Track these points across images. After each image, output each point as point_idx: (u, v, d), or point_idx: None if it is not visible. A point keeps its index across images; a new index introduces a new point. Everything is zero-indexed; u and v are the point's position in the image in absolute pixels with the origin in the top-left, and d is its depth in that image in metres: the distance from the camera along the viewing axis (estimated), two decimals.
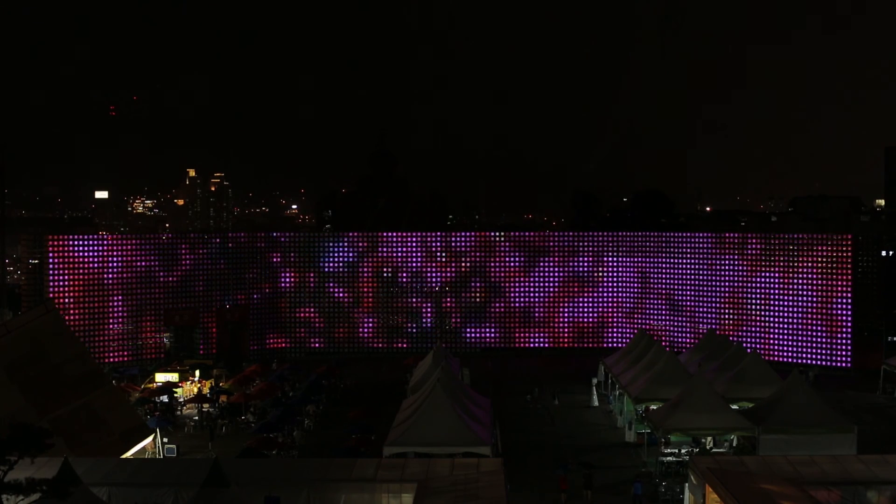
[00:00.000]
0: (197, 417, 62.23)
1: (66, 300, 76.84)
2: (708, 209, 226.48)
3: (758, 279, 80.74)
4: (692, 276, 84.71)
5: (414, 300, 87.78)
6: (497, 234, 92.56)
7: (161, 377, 70.15)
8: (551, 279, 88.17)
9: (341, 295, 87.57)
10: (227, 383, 69.14)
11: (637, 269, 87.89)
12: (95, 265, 78.85)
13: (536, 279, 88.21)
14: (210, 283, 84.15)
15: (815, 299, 77.63)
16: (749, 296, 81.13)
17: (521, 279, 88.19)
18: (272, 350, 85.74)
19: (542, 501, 45.03)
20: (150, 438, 49.81)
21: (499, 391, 68.17)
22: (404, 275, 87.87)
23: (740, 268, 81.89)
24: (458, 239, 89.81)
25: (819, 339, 77.23)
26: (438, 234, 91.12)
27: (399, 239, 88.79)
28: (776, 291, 79.64)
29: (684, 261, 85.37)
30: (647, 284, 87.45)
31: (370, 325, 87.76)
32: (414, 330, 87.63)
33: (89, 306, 78.38)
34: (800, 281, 78.45)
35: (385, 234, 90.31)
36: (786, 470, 36.86)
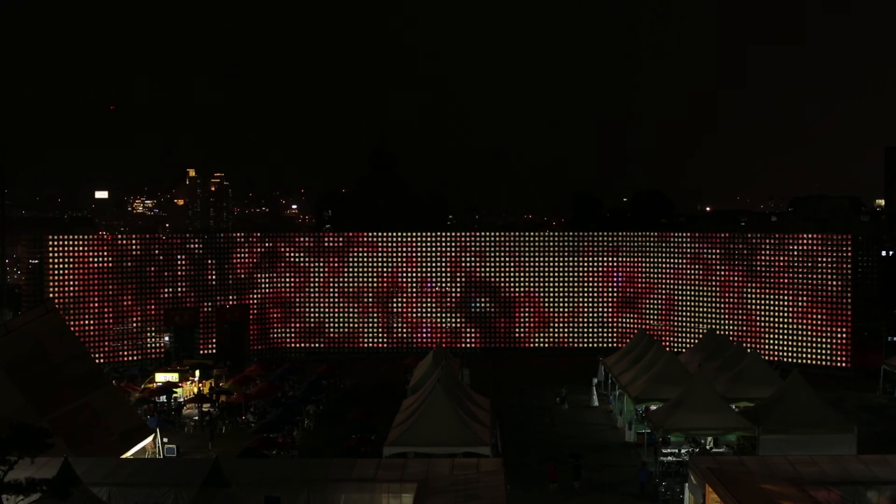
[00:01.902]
0: (197, 417, 62.24)
1: (66, 300, 76.87)
2: (708, 209, 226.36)
3: (757, 279, 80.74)
4: (692, 276, 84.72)
5: (414, 300, 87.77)
6: (497, 233, 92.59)
7: (161, 377, 70.12)
8: (551, 279, 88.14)
9: (341, 295, 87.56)
10: (227, 383, 69.16)
11: (637, 269, 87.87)
12: (95, 265, 78.90)
13: (536, 279, 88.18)
14: (210, 283, 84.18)
15: (814, 299, 77.65)
16: (749, 295, 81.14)
17: (521, 279, 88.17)
18: (272, 349, 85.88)
19: (540, 500, 45.04)
20: (150, 438, 49.79)
21: (499, 391, 68.14)
22: (404, 275, 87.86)
23: (740, 267, 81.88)
24: (458, 239, 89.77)
25: (819, 339, 77.25)
26: (438, 234, 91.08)
27: (399, 239, 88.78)
28: (776, 291, 79.64)
29: (684, 261, 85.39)
30: (647, 284, 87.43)
31: (370, 325, 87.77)
32: (413, 330, 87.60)
33: (89, 306, 78.42)
34: (800, 281, 78.46)
35: (385, 233, 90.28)
36: (786, 470, 36.84)
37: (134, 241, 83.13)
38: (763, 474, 36.26)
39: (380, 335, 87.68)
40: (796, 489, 34.18)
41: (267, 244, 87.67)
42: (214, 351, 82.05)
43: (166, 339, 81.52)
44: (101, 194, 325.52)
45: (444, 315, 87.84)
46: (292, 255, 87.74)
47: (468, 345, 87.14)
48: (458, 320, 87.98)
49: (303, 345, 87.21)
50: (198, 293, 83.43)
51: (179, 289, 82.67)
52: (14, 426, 29.13)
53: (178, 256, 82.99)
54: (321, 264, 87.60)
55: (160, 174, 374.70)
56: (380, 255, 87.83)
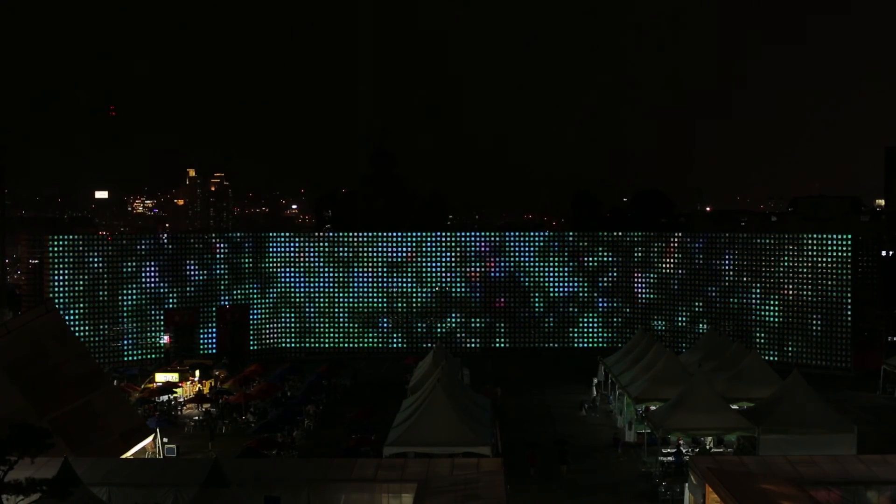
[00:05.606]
0: (197, 417, 62.25)
1: (66, 300, 76.90)
2: (708, 209, 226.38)
3: (757, 279, 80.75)
4: (692, 276, 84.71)
5: (414, 300, 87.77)
6: (497, 233, 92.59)
7: (161, 377, 70.16)
8: (551, 279, 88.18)
9: (341, 295, 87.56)
10: (227, 383, 69.16)
11: (637, 269, 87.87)
12: (95, 265, 78.92)
13: (536, 279, 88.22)
14: (210, 283, 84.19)
15: (814, 299, 77.67)
16: (749, 296, 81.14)
17: (522, 279, 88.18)
18: (272, 349, 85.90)
19: (540, 499, 45.06)
20: (150, 438, 49.80)
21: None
22: (404, 274, 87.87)
23: (740, 267, 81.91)
24: (458, 239, 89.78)
25: (819, 339, 77.26)
26: (438, 233, 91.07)
27: (399, 239, 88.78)
28: (776, 291, 79.66)
29: (684, 260, 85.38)
30: (647, 284, 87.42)
31: (371, 324, 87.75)
32: (414, 330, 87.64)
33: (89, 306, 78.42)
34: (800, 281, 78.48)
35: (385, 233, 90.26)
36: (786, 470, 36.84)
37: (133, 241, 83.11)
38: (763, 474, 36.25)
39: (380, 335, 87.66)
40: (796, 489, 34.18)
41: (267, 244, 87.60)
42: (214, 351, 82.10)
43: (166, 339, 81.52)
44: (101, 194, 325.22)
45: (444, 315, 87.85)
46: (293, 255, 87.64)
47: (469, 345, 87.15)
48: (459, 320, 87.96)
49: (303, 344, 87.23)
50: (198, 293, 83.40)
51: (179, 289, 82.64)
52: (14, 426, 29.13)
53: (179, 256, 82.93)
54: (321, 264, 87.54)
55: (160, 174, 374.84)
56: (380, 254, 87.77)
